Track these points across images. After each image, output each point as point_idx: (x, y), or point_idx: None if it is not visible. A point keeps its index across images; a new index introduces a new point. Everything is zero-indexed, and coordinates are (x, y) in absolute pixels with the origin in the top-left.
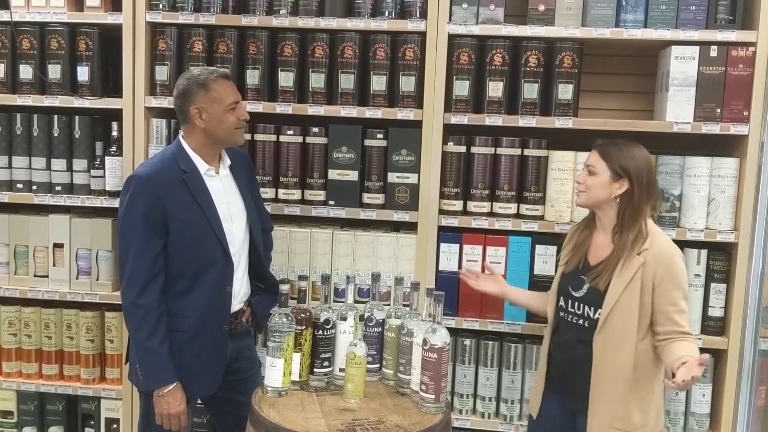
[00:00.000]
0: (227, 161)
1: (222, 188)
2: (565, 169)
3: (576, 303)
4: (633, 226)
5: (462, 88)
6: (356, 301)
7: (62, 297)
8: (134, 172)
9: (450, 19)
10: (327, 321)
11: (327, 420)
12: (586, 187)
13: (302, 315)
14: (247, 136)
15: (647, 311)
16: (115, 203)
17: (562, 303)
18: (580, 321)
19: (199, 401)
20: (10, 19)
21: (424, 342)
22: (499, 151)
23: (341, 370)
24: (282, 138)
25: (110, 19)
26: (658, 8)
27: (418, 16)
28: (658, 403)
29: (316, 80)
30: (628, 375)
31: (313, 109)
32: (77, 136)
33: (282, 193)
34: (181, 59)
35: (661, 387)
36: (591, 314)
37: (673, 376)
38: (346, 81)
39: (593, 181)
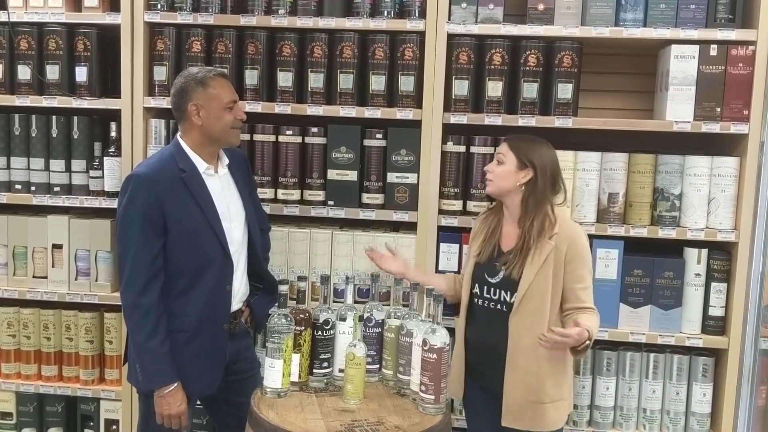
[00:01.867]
0: (225, 160)
1: (221, 187)
2: (565, 169)
3: (492, 288)
4: (537, 212)
5: (461, 87)
6: (356, 302)
7: (61, 298)
8: (132, 171)
9: (449, 19)
10: (326, 321)
11: (326, 421)
12: (494, 176)
13: (301, 316)
14: (246, 137)
15: (558, 291)
16: (113, 204)
17: (476, 290)
18: (498, 306)
19: (198, 402)
20: (7, 20)
21: (424, 342)
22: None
23: (340, 370)
24: (281, 138)
25: (108, 19)
26: (657, 7)
27: (417, 15)
28: (571, 376)
29: (315, 80)
30: (542, 351)
31: (312, 109)
32: (76, 137)
33: (281, 194)
34: (180, 59)
35: (571, 361)
36: (507, 298)
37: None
38: (345, 81)
39: (501, 169)
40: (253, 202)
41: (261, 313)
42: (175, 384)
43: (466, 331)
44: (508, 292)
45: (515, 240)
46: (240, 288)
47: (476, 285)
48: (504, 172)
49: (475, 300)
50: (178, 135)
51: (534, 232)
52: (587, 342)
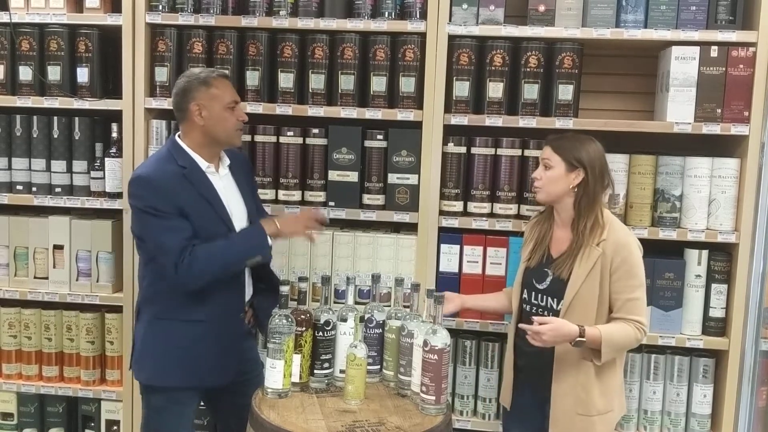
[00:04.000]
0: (226, 161)
1: (222, 186)
2: None
3: (539, 295)
4: (589, 213)
5: (462, 88)
6: (356, 303)
7: (62, 299)
8: (136, 173)
9: (450, 20)
10: (327, 322)
11: (327, 422)
12: (543, 183)
13: (302, 316)
14: (247, 138)
15: (606, 299)
16: (115, 205)
17: (525, 296)
18: (545, 313)
19: (200, 403)
20: (9, 21)
21: (425, 343)
22: (500, 151)
23: (341, 371)
24: (282, 139)
25: (110, 20)
26: (658, 8)
27: (417, 16)
28: (621, 387)
29: (316, 81)
30: (589, 361)
31: (313, 110)
32: (77, 138)
33: (282, 194)
34: (181, 60)
35: (622, 371)
36: (554, 305)
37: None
38: (346, 82)
39: (550, 175)
40: (256, 203)
41: (265, 313)
42: (270, 230)
43: (516, 336)
44: (555, 299)
45: (566, 244)
46: (246, 288)
47: (525, 290)
48: (554, 177)
49: (525, 306)
50: (175, 136)
51: (587, 232)
52: (579, 339)
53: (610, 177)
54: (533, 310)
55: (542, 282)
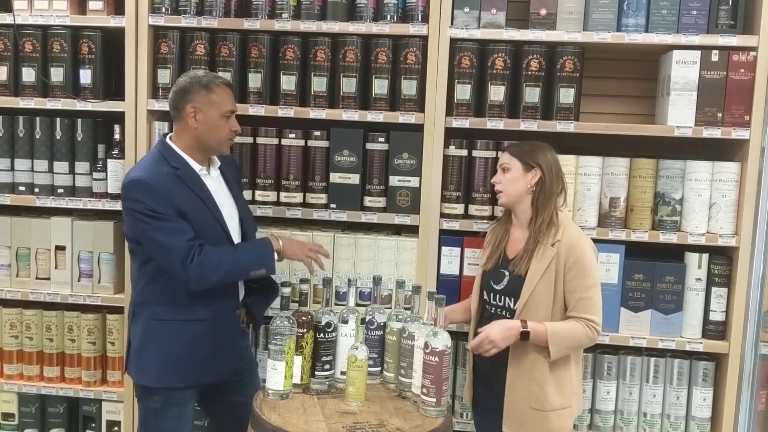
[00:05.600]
0: (217, 162)
1: (214, 188)
2: (567, 173)
3: (497, 295)
4: (545, 210)
5: (463, 91)
6: (357, 305)
7: (64, 299)
8: (130, 177)
9: (452, 23)
10: (328, 324)
11: (328, 423)
12: (504, 185)
13: (303, 318)
14: (249, 139)
15: (560, 299)
16: (117, 206)
17: (485, 297)
18: (502, 312)
19: (196, 405)
20: (12, 22)
21: (426, 345)
22: (501, 154)
23: (342, 373)
24: (284, 141)
25: (113, 22)
26: (659, 13)
27: (419, 19)
28: (578, 385)
29: (318, 84)
30: (544, 358)
31: (314, 113)
32: (79, 139)
33: (283, 197)
34: (184, 62)
35: (579, 369)
36: (511, 305)
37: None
38: (348, 84)
39: (509, 176)
40: (245, 204)
41: (259, 312)
42: (273, 246)
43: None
44: (512, 299)
45: (523, 244)
46: (240, 286)
47: (484, 292)
48: (513, 178)
49: (486, 307)
50: (166, 138)
51: (543, 228)
52: (524, 330)
53: (564, 182)
54: (493, 311)
55: (499, 282)
